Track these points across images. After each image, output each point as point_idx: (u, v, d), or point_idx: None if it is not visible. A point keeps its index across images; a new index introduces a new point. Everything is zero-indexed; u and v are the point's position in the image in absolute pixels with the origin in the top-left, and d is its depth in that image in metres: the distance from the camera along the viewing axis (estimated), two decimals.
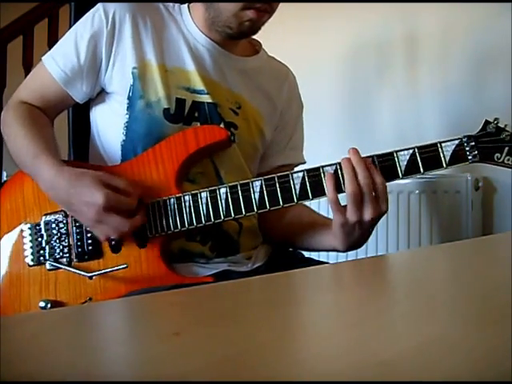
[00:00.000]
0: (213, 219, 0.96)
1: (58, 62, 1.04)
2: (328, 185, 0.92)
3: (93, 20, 1.03)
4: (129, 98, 1.03)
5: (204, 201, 0.97)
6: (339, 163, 0.94)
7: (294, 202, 0.95)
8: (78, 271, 0.98)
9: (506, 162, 0.94)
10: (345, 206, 0.93)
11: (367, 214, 0.92)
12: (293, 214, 1.12)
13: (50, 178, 0.96)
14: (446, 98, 1.92)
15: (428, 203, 1.85)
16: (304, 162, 1.20)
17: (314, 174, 0.94)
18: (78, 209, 0.95)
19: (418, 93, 1.99)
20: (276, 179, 0.95)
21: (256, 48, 1.19)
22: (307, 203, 1.03)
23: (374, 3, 2.03)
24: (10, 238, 1.05)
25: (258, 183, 0.96)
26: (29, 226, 1.03)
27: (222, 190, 0.96)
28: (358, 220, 0.92)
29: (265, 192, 0.95)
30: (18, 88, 1.11)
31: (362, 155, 0.93)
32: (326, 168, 0.94)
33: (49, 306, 0.99)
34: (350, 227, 0.94)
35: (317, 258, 1.17)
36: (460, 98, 1.87)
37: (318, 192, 0.94)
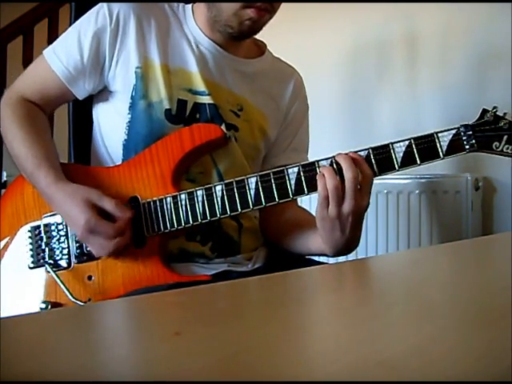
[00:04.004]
0: (209, 217, 0.96)
1: (61, 59, 1.04)
2: (319, 180, 0.91)
3: (96, 18, 1.03)
4: (131, 97, 1.03)
5: (200, 199, 0.96)
6: (334, 157, 0.92)
7: (289, 197, 0.94)
8: (64, 289, 0.98)
9: (504, 150, 0.89)
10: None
11: (346, 207, 0.90)
12: (290, 215, 1.11)
13: (48, 193, 0.98)
14: (446, 97, 1.92)
15: (428, 203, 1.85)
16: None
17: (310, 169, 0.93)
18: (70, 225, 1.00)
19: (418, 92, 1.99)
20: (271, 175, 0.94)
21: (261, 49, 1.18)
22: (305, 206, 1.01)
23: (374, 3, 2.03)
24: (12, 240, 1.05)
25: (253, 180, 0.95)
26: (29, 228, 1.04)
27: (218, 188, 0.96)
28: (336, 214, 0.90)
29: (260, 188, 0.94)
30: (18, 79, 1.10)
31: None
32: (322, 162, 0.93)
33: (49, 307, 0.99)
34: (329, 222, 0.92)
35: (317, 259, 1.16)
36: (460, 98, 1.87)
37: (314, 187, 0.92)
